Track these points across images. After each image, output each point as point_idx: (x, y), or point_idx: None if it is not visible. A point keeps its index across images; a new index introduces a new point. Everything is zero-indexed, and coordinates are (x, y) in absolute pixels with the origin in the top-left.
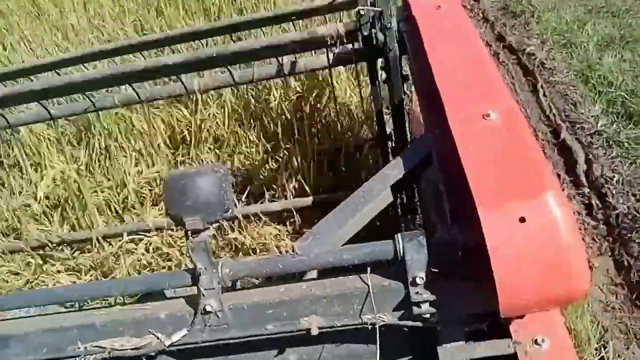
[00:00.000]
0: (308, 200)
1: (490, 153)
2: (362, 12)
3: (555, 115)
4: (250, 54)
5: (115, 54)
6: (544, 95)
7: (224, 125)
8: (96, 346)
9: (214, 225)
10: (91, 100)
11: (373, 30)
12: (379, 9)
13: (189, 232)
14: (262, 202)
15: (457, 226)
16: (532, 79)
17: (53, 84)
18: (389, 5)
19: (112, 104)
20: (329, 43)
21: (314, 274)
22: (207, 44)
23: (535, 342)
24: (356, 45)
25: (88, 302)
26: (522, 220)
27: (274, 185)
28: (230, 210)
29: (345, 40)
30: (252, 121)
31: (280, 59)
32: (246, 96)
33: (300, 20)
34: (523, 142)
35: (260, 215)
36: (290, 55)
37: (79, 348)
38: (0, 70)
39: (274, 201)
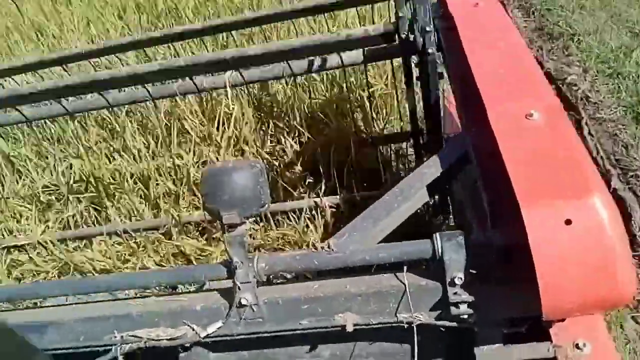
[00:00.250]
0: (336, 199)
1: (533, 153)
2: (400, 14)
3: (604, 159)
4: (284, 55)
5: (137, 46)
6: (590, 134)
7: (246, 122)
8: (132, 335)
9: (250, 219)
10: (105, 98)
11: (411, 34)
12: (419, 9)
13: (225, 226)
14: (290, 200)
15: (497, 227)
16: (575, 114)
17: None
18: (427, 7)
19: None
20: (365, 45)
21: None
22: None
23: (577, 346)
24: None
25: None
26: (568, 222)
27: (303, 182)
28: (267, 205)
29: (382, 41)
30: (278, 117)
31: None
32: (271, 92)
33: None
34: (567, 143)
35: (289, 213)
36: None
37: (115, 337)
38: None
39: (302, 198)
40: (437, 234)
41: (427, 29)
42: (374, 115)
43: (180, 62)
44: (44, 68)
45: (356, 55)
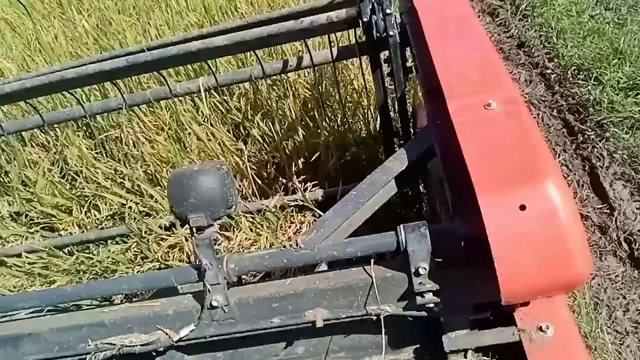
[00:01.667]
0: (316, 194)
1: (490, 142)
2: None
3: None
4: (252, 43)
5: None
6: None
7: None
8: (106, 343)
9: (217, 221)
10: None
11: (373, 17)
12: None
13: (193, 229)
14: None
15: (459, 216)
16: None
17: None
18: (390, 14)
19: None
20: (330, 30)
21: (323, 266)
22: None
23: (540, 329)
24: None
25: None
26: (522, 207)
27: (281, 180)
28: (234, 207)
29: (346, 26)
30: (253, 117)
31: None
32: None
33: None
34: (524, 131)
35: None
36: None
37: (89, 345)
38: None
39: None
40: (401, 225)
41: (388, 11)
42: (348, 113)
43: (147, 57)
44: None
45: (325, 54)
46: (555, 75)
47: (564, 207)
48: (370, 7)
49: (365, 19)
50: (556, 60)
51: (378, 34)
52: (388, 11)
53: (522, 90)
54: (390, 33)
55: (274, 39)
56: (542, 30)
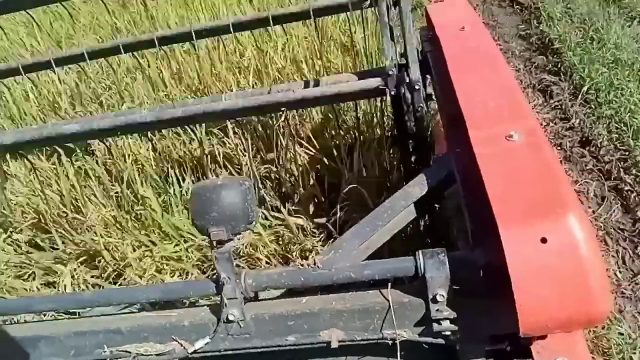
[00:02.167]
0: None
1: (512, 173)
2: (390, 73)
3: None
4: (272, 107)
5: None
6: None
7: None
8: (122, 350)
9: (238, 236)
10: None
11: (401, 89)
12: (407, 69)
13: (214, 242)
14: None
15: (478, 245)
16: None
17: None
18: (416, 65)
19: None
20: (354, 98)
21: None
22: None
23: None
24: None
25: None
26: (544, 240)
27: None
28: (254, 222)
29: (374, 95)
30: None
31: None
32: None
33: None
34: (546, 163)
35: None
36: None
37: (105, 352)
38: None
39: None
40: (420, 251)
41: (416, 87)
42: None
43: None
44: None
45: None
46: (635, 194)
47: (586, 241)
48: (396, 80)
49: (392, 93)
50: (634, 171)
51: (405, 106)
52: (417, 87)
53: (593, 211)
54: (418, 108)
55: (301, 103)
56: (611, 126)
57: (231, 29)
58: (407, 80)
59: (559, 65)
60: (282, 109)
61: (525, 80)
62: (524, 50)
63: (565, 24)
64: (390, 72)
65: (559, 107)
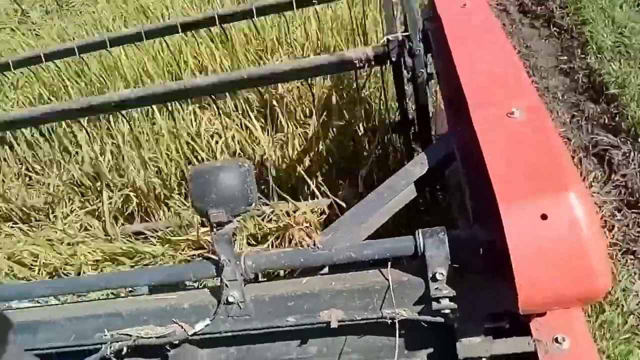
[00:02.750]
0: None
1: (512, 150)
2: (390, 39)
3: None
4: (279, 76)
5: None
6: None
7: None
8: (122, 334)
9: (237, 218)
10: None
11: (401, 57)
12: (407, 34)
13: (213, 225)
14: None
15: (479, 224)
16: None
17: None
18: (417, 32)
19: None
20: (357, 66)
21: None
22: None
23: (556, 340)
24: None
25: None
26: (544, 217)
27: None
28: (254, 204)
29: (373, 64)
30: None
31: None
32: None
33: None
34: (547, 140)
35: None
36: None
37: (105, 335)
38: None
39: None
40: (419, 230)
41: (417, 52)
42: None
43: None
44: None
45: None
46: None
47: (586, 218)
48: (398, 46)
49: (393, 59)
50: None
51: (407, 72)
52: (417, 52)
53: None
54: (418, 73)
55: (304, 72)
56: None
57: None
58: (408, 47)
59: (617, 119)
60: (281, 80)
61: (574, 139)
62: (568, 92)
63: (620, 58)
64: (392, 38)
65: (624, 185)
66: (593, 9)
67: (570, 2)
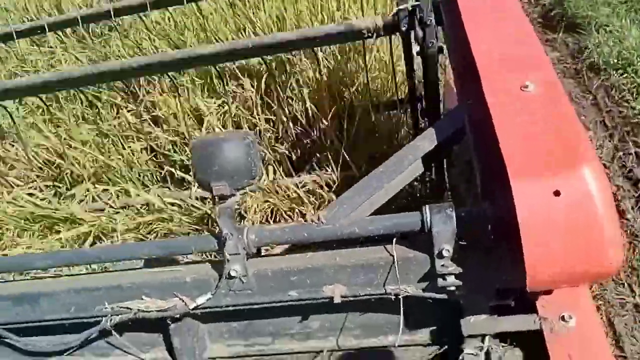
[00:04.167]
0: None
1: (526, 124)
2: (401, 7)
3: None
4: (286, 45)
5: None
6: None
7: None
8: (123, 307)
9: (240, 191)
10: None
11: (412, 27)
12: (418, 3)
13: (216, 198)
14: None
15: (487, 199)
16: None
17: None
18: (428, 1)
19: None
20: (366, 36)
21: None
22: None
23: (562, 318)
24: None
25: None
26: (557, 193)
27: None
28: (258, 177)
29: (382, 34)
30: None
31: None
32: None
33: None
34: (561, 114)
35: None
36: None
37: (105, 308)
38: None
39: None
40: (427, 206)
41: (428, 22)
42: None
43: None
44: None
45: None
46: None
47: (600, 195)
48: (408, 16)
49: (403, 28)
50: None
51: (417, 44)
52: (428, 22)
53: None
54: (429, 44)
55: (313, 42)
56: None
57: None
58: (419, 17)
59: None
60: (288, 49)
61: None
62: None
63: None
64: (402, 7)
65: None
66: None
67: None
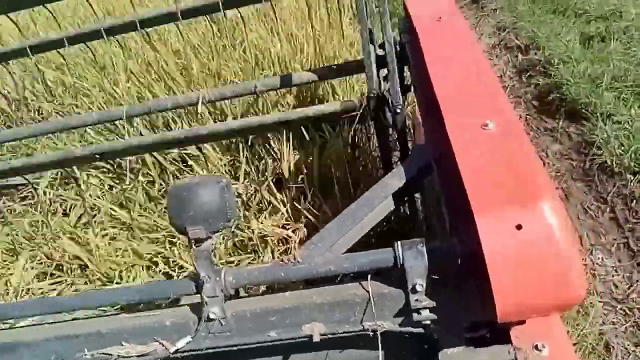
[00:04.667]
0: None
1: (487, 161)
2: (371, 94)
3: None
4: (260, 129)
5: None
6: None
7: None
8: (103, 353)
9: (216, 234)
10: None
11: (381, 113)
12: (388, 92)
13: (192, 241)
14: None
15: (456, 234)
16: None
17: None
18: (397, 90)
19: None
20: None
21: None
22: None
23: (536, 347)
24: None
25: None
26: (519, 227)
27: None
28: (233, 220)
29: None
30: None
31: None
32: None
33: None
34: (521, 151)
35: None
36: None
37: (86, 355)
38: None
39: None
40: (398, 242)
41: (398, 110)
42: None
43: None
44: None
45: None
46: None
47: (560, 227)
48: (376, 102)
49: (372, 114)
50: None
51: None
52: (398, 110)
53: None
54: (399, 127)
55: (280, 126)
56: None
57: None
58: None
59: None
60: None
61: None
62: None
63: None
64: (372, 94)
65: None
66: None
67: None
